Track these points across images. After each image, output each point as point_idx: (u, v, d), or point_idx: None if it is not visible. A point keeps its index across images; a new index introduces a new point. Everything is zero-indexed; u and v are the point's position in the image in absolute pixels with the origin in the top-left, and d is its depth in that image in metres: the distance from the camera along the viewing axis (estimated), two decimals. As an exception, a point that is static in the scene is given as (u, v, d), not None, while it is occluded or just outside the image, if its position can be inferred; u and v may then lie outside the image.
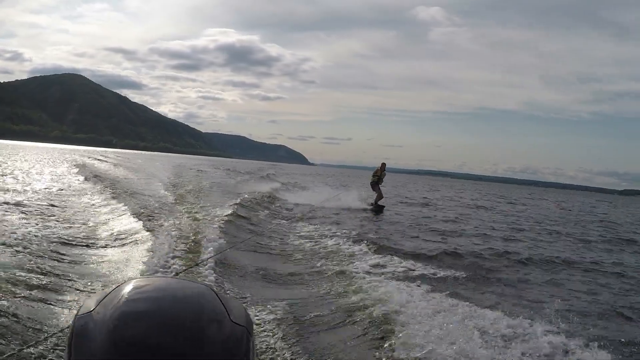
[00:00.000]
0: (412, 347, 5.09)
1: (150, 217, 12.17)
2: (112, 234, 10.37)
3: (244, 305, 1.23)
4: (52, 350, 4.30)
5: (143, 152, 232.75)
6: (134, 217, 12.00)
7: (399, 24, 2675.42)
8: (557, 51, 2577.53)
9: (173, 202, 16.36)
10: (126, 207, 13.43)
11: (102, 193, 17.27)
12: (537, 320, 6.29)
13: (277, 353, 5.04)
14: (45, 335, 4.59)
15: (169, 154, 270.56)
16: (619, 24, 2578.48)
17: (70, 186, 19.41)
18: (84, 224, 11.25)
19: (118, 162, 46.17)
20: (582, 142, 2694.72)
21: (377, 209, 20.80)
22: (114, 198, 15.65)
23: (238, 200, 16.94)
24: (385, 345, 5.26)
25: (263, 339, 5.31)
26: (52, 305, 5.58)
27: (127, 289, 0.91)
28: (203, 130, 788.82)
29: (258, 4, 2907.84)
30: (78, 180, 22.84)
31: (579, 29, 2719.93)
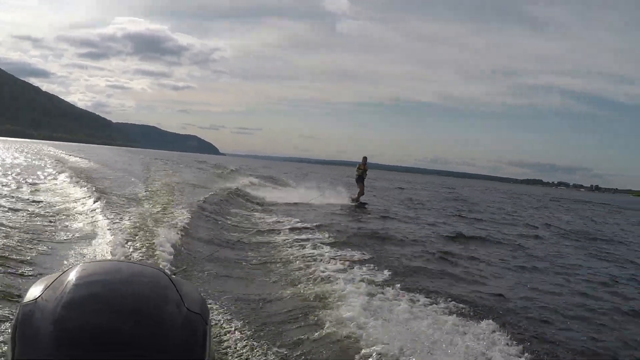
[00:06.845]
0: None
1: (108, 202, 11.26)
2: (66, 217, 9.79)
3: (200, 290, 1.06)
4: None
5: (60, 142, 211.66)
6: (93, 200, 11.42)
7: (311, 15, 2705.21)
8: (473, 45, 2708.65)
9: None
10: (88, 194, 12.83)
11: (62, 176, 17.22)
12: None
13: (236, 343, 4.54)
14: None
15: (81, 144, 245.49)
16: (537, 20, 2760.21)
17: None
18: (39, 205, 10.74)
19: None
20: (497, 133, 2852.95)
21: (359, 205, 20.24)
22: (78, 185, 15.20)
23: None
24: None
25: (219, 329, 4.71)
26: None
27: (75, 273, 0.84)
28: (113, 120, 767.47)
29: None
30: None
31: (496, 23, 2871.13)
